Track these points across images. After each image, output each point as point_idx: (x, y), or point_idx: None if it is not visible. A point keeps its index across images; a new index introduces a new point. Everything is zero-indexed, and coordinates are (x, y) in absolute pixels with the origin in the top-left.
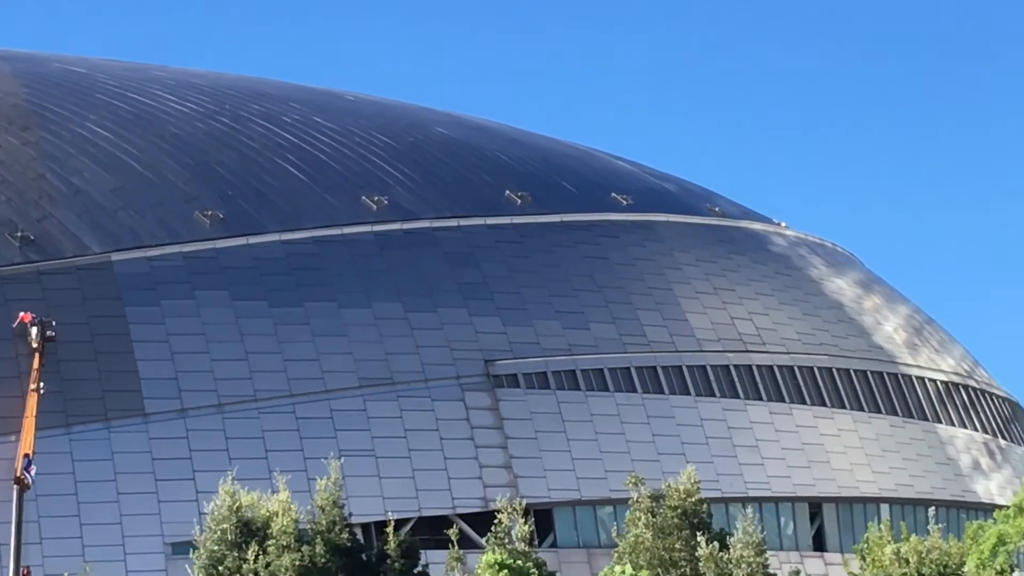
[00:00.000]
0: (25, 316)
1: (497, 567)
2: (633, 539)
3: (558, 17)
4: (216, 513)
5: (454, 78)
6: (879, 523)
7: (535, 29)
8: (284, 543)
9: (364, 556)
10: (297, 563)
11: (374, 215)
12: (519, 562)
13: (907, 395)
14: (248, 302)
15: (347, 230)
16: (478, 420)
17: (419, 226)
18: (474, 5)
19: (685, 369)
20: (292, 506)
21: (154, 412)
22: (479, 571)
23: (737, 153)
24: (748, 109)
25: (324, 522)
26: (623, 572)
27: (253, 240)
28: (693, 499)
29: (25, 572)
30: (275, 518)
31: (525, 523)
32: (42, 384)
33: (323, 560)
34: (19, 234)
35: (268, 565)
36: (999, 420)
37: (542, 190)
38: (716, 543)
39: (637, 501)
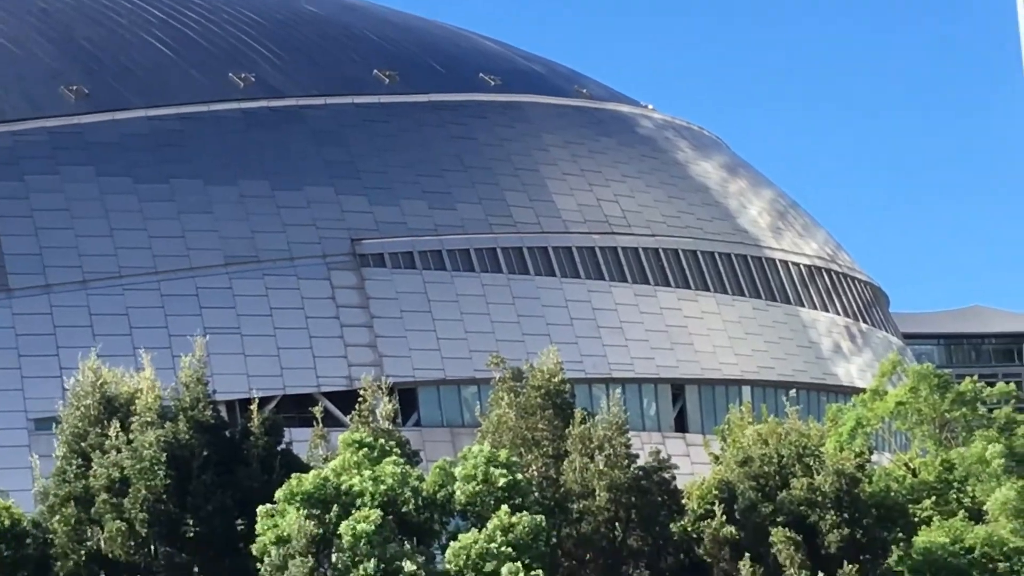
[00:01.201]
0: None
1: (356, 445)
2: (496, 419)
3: None
4: (79, 389)
5: None
6: (740, 405)
7: None
8: (147, 420)
9: (228, 433)
10: (160, 440)
11: (241, 92)
12: (380, 440)
13: (770, 278)
14: (113, 178)
15: (214, 107)
16: (344, 299)
17: (286, 104)
18: None
19: (551, 250)
20: (156, 383)
21: (17, 288)
22: (340, 451)
23: (604, 35)
24: None
25: (188, 399)
26: (480, 451)
27: (119, 116)
28: (556, 379)
29: None
30: (138, 395)
31: (389, 402)
32: None
33: (186, 437)
34: None
35: (131, 441)
36: (860, 304)
37: (410, 70)
38: (581, 423)
39: (500, 381)
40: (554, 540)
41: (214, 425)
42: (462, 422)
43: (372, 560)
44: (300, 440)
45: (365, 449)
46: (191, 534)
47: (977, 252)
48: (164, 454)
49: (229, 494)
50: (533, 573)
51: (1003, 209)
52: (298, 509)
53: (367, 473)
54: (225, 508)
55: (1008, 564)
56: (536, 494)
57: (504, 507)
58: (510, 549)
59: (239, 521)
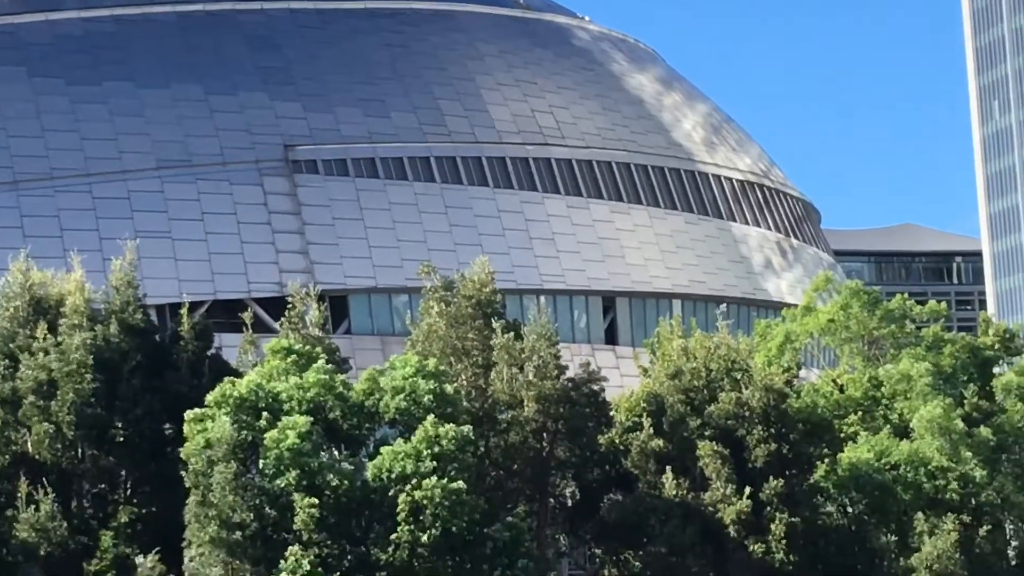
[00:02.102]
0: None
1: (284, 352)
2: (426, 328)
3: None
4: (8, 291)
5: None
6: (670, 318)
7: None
8: (76, 322)
9: (157, 337)
10: (88, 342)
11: None
12: (307, 347)
13: (703, 192)
14: (46, 79)
15: (148, 10)
16: (276, 205)
17: (221, 8)
18: None
19: (484, 160)
20: (85, 285)
21: None
22: (268, 358)
23: None
24: None
25: (118, 302)
26: (408, 362)
27: (52, 16)
28: (487, 289)
29: None
30: (68, 297)
31: (319, 309)
32: None
33: (115, 340)
34: None
35: (59, 344)
36: (792, 220)
37: None
38: (511, 333)
39: (431, 290)
40: (482, 450)
41: (144, 329)
42: (393, 330)
43: (297, 469)
44: (230, 346)
45: (293, 356)
46: (119, 438)
47: (910, 170)
48: (92, 357)
49: (158, 398)
50: (454, 484)
51: (937, 128)
52: (228, 415)
53: (293, 380)
54: (153, 412)
55: (933, 482)
56: (465, 404)
57: (430, 417)
58: (434, 462)
59: (167, 426)
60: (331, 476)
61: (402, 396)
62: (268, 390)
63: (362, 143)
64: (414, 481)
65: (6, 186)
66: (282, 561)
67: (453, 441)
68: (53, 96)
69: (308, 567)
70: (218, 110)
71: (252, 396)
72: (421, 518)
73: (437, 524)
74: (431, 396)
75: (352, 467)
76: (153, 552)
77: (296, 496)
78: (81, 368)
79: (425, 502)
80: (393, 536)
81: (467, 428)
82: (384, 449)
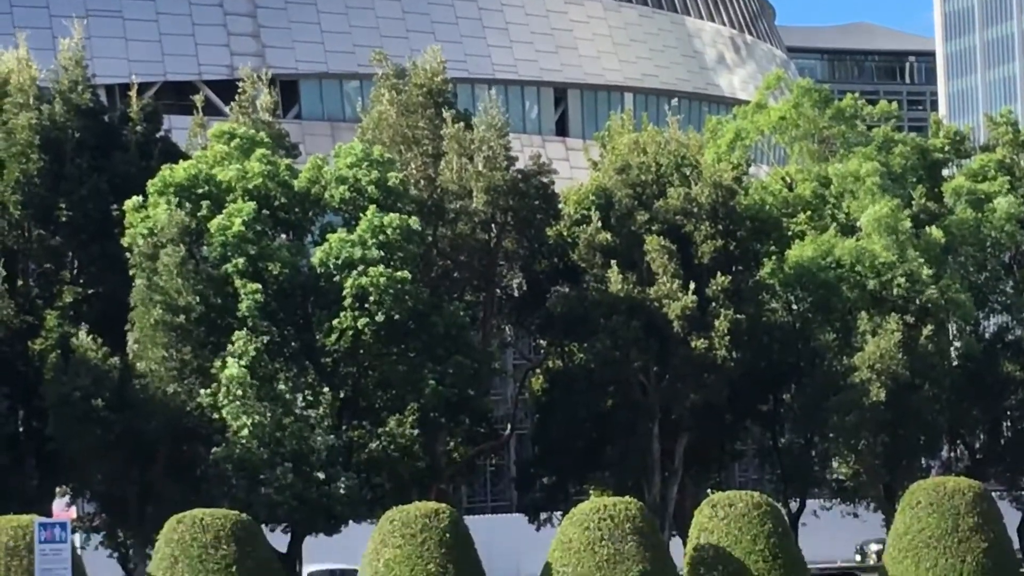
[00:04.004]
0: None
1: (227, 137)
2: (376, 115)
3: None
4: None
5: None
6: (621, 112)
7: None
8: (21, 101)
9: (106, 118)
10: (34, 122)
11: None
12: (250, 132)
13: None
14: None
15: None
16: None
17: None
18: None
19: None
20: (31, 64)
21: None
22: (211, 143)
23: None
24: None
25: (66, 82)
26: (354, 149)
27: None
28: (439, 78)
29: None
30: (13, 75)
31: (270, 93)
32: None
33: (62, 120)
34: None
35: (5, 123)
36: (746, 15)
37: None
38: (461, 123)
39: (382, 78)
40: (429, 240)
41: (92, 109)
42: (343, 116)
43: (242, 258)
44: (179, 128)
45: (237, 140)
46: (64, 218)
47: None
48: (38, 137)
49: (105, 179)
50: (400, 273)
51: None
52: (169, 201)
53: (235, 168)
54: (100, 193)
55: (878, 279)
56: (413, 193)
57: (372, 207)
58: (379, 251)
59: (114, 207)
60: (275, 263)
61: (346, 186)
62: (211, 176)
63: None
64: (360, 268)
65: None
66: (229, 345)
67: (397, 231)
68: None
69: (254, 352)
70: None
71: (194, 182)
72: (366, 305)
73: (381, 311)
74: (375, 186)
75: (296, 254)
76: (96, 332)
77: (240, 282)
78: (27, 148)
79: (371, 289)
80: (336, 322)
81: (413, 219)
82: (331, 236)
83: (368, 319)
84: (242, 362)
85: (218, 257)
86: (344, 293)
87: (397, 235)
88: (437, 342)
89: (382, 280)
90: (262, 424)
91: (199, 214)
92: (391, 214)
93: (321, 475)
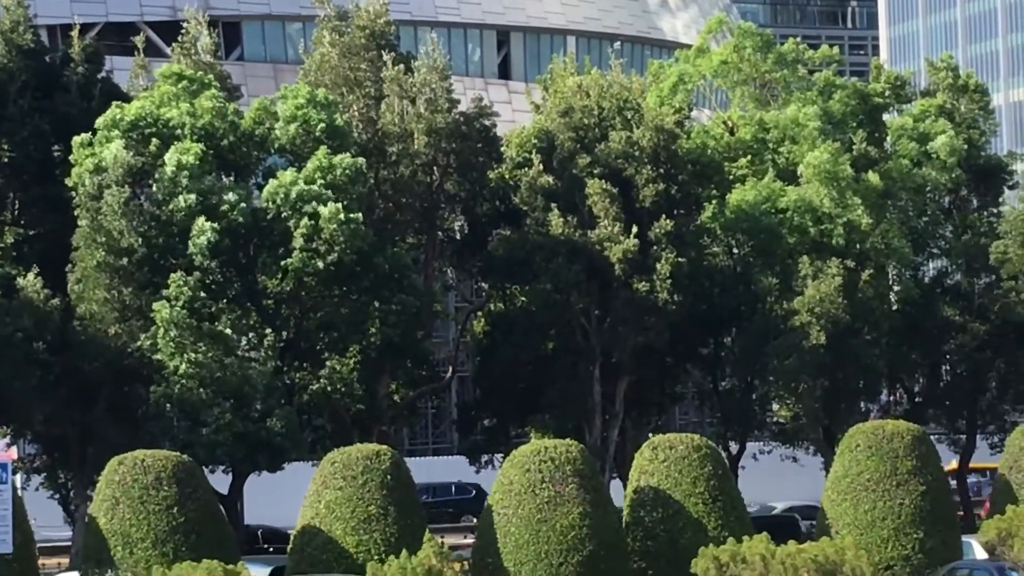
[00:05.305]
0: None
1: (175, 77)
2: (319, 57)
3: None
4: None
5: None
6: (564, 55)
7: None
8: None
9: (47, 59)
10: None
11: None
12: (199, 74)
13: None
14: None
15: None
16: None
17: None
18: None
19: None
20: None
21: None
22: (158, 83)
23: None
24: None
25: (7, 22)
26: (301, 91)
27: None
28: (381, 20)
29: None
30: None
31: (211, 35)
32: None
33: (3, 60)
34: None
35: None
36: None
37: None
38: (402, 65)
39: (324, 19)
40: (371, 183)
41: (33, 50)
42: (286, 59)
43: (192, 194)
44: (121, 69)
45: (185, 82)
46: (5, 159)
47: None
48: None
49: (46, 120)
50: (352, 215)
51: None
52: (118, 140)
53: (185, 107)
54: (42, 134)
55: (819, 227)
56: (355, 135)
57: (323, 148)
58: (329, 191)
59: (55, 148)
60: (227, 198)
61: (294, 126)
62: (159, 116)
63: None
64: (311, 207)
65: None
66: (165, 288)
67: (346, 172)
68: None
69: (190, 292)
70: None
71: (143, 122)
72: (314, 246)
73: (332, 252)
74: (323, 127)
75: (244, 192)
76: (38, 273)
77: (196, 220)
78: None
79: (323, 228)
80: (285, 262)
81: (360, 160)
82: (281, 174)
83: (319, 259)
84: (178, 304)
85: (167, 195)
86: (296, 233)
87: (346, 176)
88: (382, 283)
89: (337, 220)
90: (200, 363)
91: (146, 153)
92: (341, 154)
93: (259, 408)
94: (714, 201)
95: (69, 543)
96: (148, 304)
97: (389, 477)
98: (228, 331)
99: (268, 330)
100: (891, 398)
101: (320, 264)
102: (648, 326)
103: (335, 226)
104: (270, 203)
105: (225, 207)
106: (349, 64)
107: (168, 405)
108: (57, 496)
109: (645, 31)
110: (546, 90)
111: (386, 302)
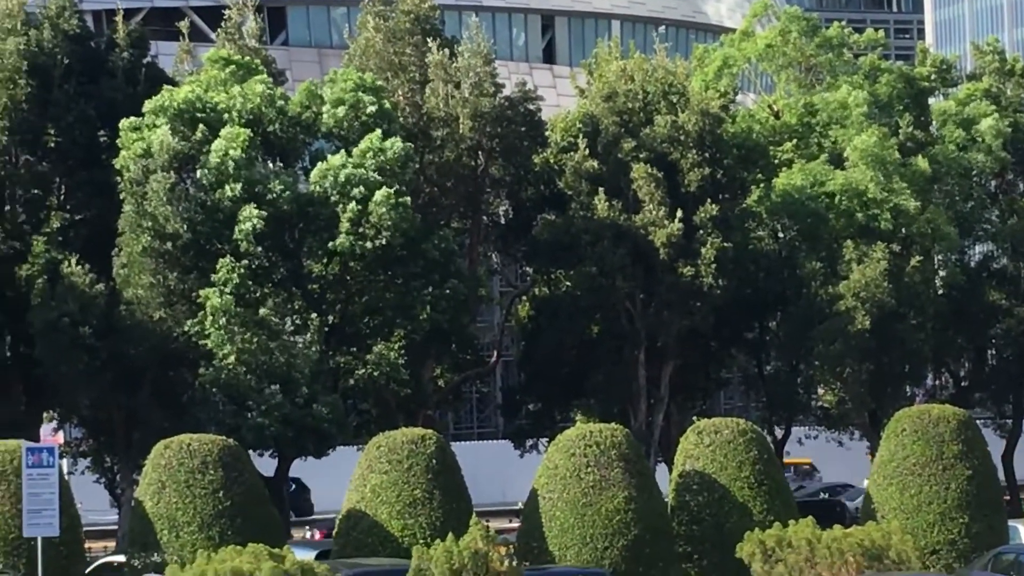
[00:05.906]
0: None
1: (223, 62)
2: (363, 42)
3: None
4: None
5: None
6: (609, 39)
7: None
8: (9, 27)
9: (93, 44)
10: (22, 47)
11: None
12: (247, 58)
13: None
14: None
15: None
16: None
17: None
18: None
19: None
20: None
21: None
22: (206, 68)
23: None
24: None
25: (53, 8)
26: (349, 75)
27: None
28: (426, 5)
29: None
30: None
31: (256, 19)
32: None
33: (50, 46)
34: None
35: None
36: None
37: None
38: (446, 50)
39: (369, 4)
40: (417, 167)
41: (79, 35)
42: (330, 43)
43: (239, 183)
44: (166, 54)
45: (232, 67)
46: (51, 144)
47: None
48: (26, 62)
49: (92, 105)
50: (402, 199)
51: None
52: (166, 124)
53: (234, 91)
54: (87, 119)
55: (866, 212)
56: (401, 120)
57: (377, 131)
58: (378, 175)
59: (101, 133)
60: (274, 185)
61: (343, 109)
62: (207, 101)
63: None
64: (359, 190)
65: None
66: (213, 274)
67: (396, 156)
68: None
69: (238, 279)
70: None
71: (191, 107)
72: (362, 230)
73: (381, 236)
74: (372, 110)
75: (291, 178)
76: (84, 258)
77: (243, 208)
78: (15, 73)
79: (371, 212)
80: (332, 244)
81: (409, 144)
82: (330, 158)
83: (368, 243)
84: (227, 290)
85: (213, 182)
86: (343, 217)
87: (395, 161)
88: (432, 268)
89: (388, 203)
90: (248, 349)
91: (193, 138)
92: (392, 138)
93: (305, 392)
94: (760, 185)
95: (115, 527)
96: (193, 289)
97: (434, 461)
98: (272, 316)
99: (313, 314)
100: (937, 382)
101: (368, 246)
102: (693, 310)
103: (384, 210)
104: (317, 187)
105: (276, 191)
106: (393, 49)
107: (214, 390)
108: (103, 480)
109: (690, 15)
110: (591, 74)
111: (437, 287)
